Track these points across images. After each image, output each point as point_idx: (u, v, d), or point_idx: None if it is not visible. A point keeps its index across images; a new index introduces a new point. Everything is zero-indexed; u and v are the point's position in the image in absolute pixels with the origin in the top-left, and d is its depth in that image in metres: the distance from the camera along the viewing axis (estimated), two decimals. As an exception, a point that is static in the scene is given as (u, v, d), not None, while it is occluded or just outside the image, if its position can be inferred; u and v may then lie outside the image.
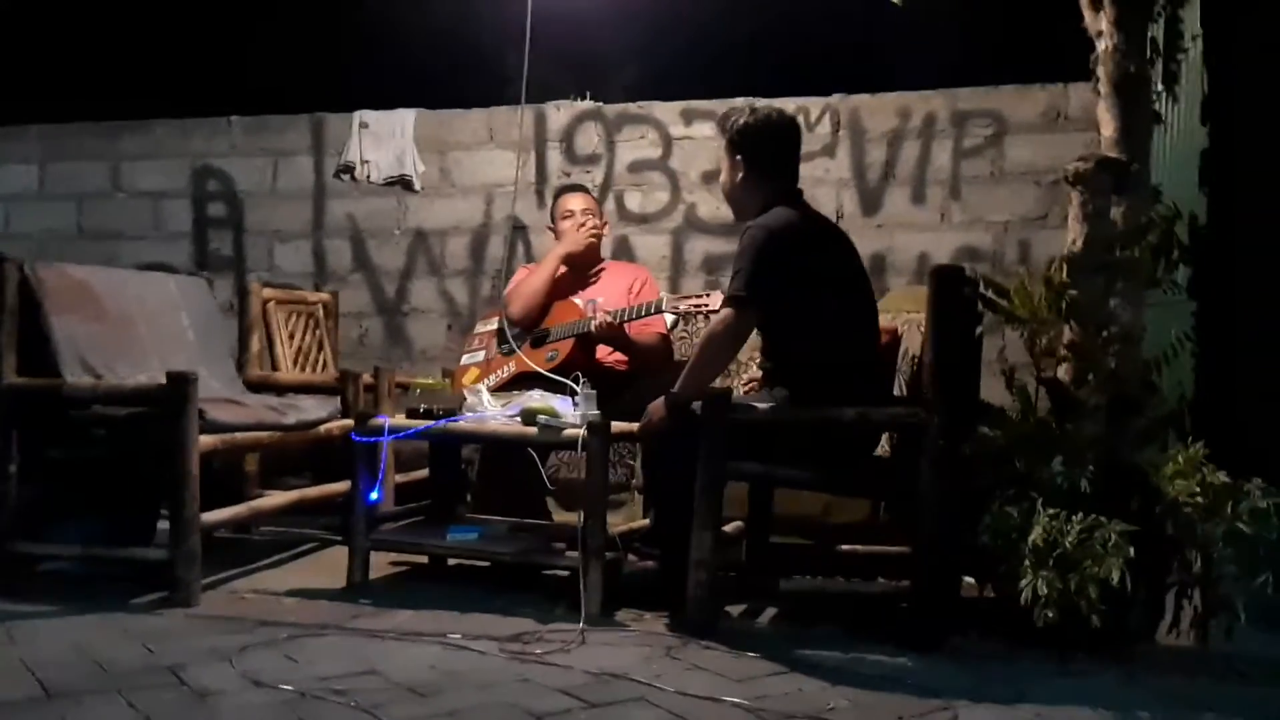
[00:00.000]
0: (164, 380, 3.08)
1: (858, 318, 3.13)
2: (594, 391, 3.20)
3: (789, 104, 4.95)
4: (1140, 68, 3.17)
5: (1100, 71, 3.23)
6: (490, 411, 3.27)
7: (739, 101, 5.02)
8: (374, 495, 3.31)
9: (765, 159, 3.22)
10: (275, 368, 4.29)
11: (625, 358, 4.25)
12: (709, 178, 5.06)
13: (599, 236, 4.35)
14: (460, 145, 5.40)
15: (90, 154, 5.72)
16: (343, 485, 3.89)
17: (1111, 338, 3.05)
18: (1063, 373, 3.12)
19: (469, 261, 5.37)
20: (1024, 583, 2.49)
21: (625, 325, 4.12)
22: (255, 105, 5.61)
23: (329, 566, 3.66)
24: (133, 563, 3.13)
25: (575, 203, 4.35)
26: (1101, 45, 3.22)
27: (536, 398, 3.24)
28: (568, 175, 5.23)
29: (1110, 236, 3.08)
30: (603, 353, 4.26)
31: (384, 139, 5.43)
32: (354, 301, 5.39)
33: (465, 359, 4.47)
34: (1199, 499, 2.62)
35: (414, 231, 5.43)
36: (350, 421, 3.87)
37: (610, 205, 5.15)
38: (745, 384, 3.46)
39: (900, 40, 4.96)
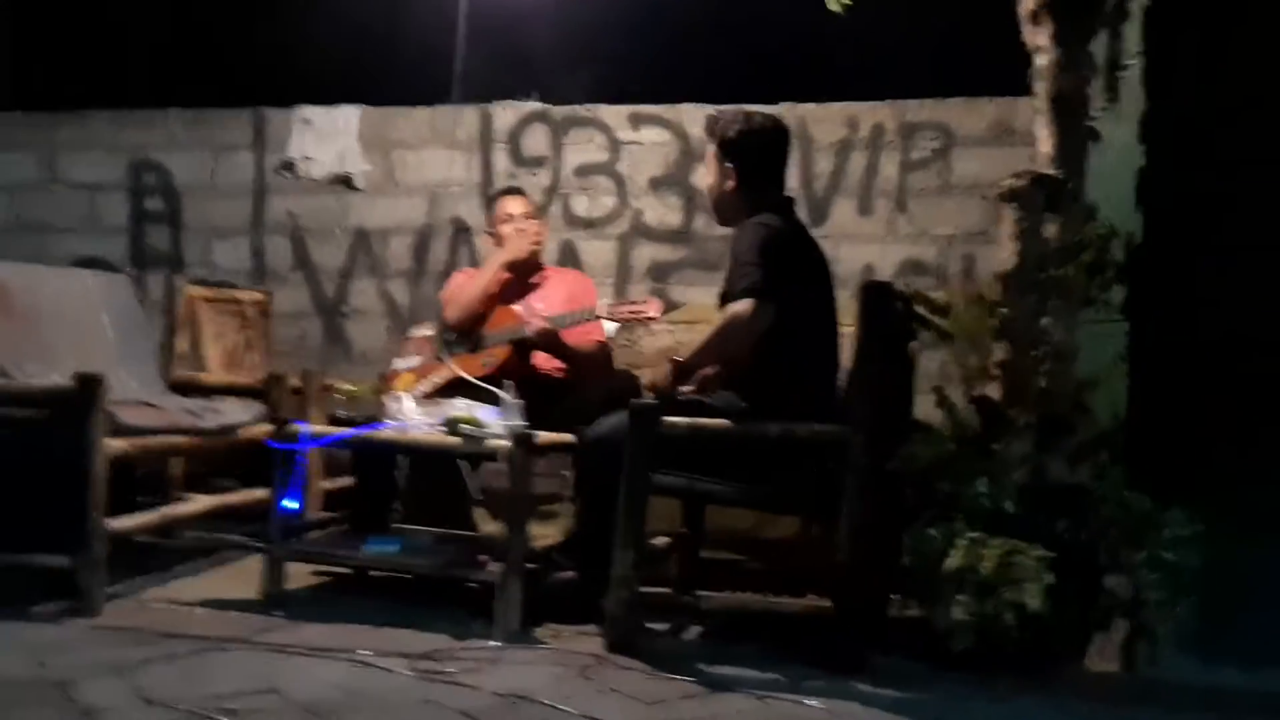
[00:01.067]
0: (73, 382, 2.97)
1: (830, 330, 3.10)
2: (520, 400, 3.13)
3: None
4: (1078, 84, 3.13)
5: (1038, 87, 3.19)
6: (414, 420, 3.18)
7: (687, 107, 4.99)
8: (290, 504, 3.21)
9: (758, 168, 3.21)
10: (202, 368, 4.19)
11: (564, 366, 4.18)
12: (657, 184, 5.01)
13: (540, 243, 4.27)
14: (404, 144, 5.30)
15: (23, 144, 5.57)
16: (264, 491, 3.79)
17: (1043, 357, 3.00)
18: (994, 391, 3.08)
19: (411, 262, 5.27)
20: (941, 608, 2.44)
21: (562, 331, 4.06)
22: (195, 98, 5.49)
23: (248, 576, 3.53)
24: (34, 570, 3.01)
25: (514, 206, 4.28)
26: (1040, 60, 3.18)
27: (461, 406, 3.16)
28: (514, 177, 5.14)
29: (1043, 254, 3.04)
30: (541, 360, 4.18)
31: (327, 136, 5.33)
32: (293, 301, 5.28)
33: (398, 363, 4.37)
34: (1123, 524, 2.57)
35: (355, 230, 5.32)
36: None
37: (557, 209, 5.08)
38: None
39: (848, 49, 4.91)
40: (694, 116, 4.96)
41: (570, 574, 3.14)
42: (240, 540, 3.76)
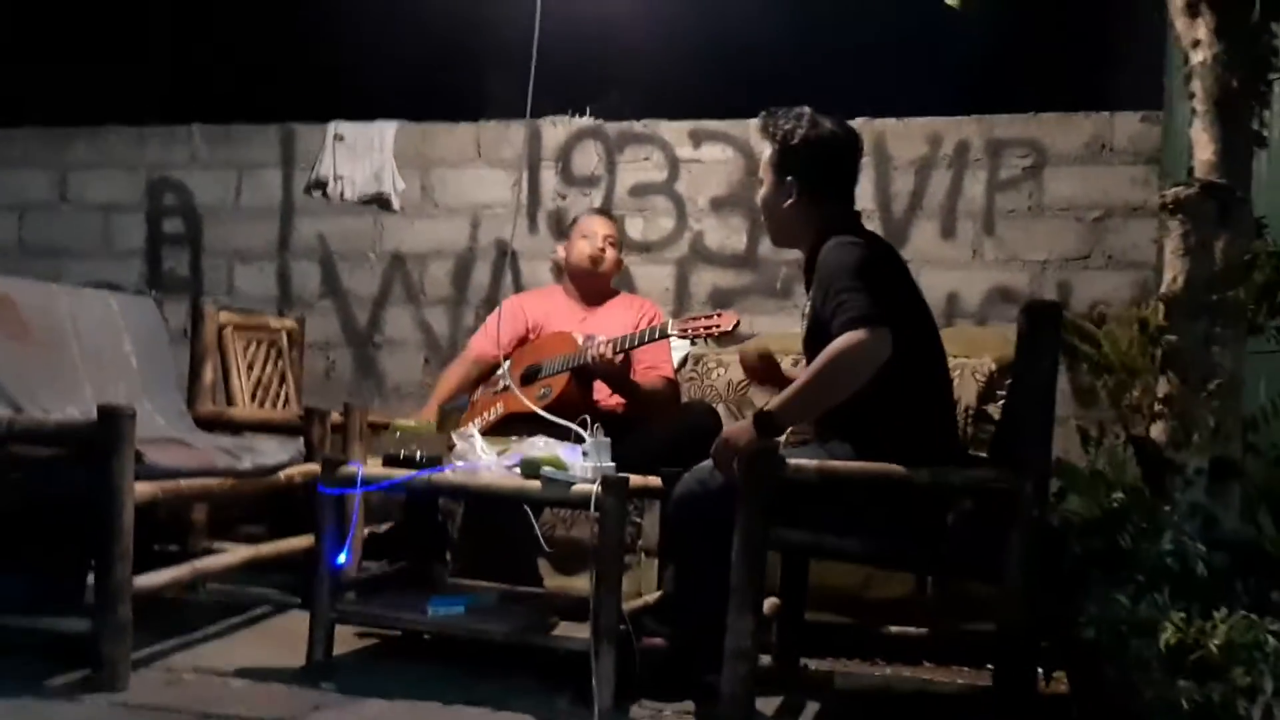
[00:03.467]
0: (95, 416, 2.56)
1: (943, 362, 2.68)
2: (607, 439, 2.72)
3: (808, 127, 4.54)
4: (1244, 82, 2.75)
5: (1196, 86, 2.80)
6: (484, 460, 2.78)
7: (753, 122, 4.61)
8: (342, 558, 2.80)
9: (823, 181, 2.72)
10: (231, 402, 3.78)
11: (629, 403, 3.78)
12: (718, 204, 4.64)
13: (599, 260, 3.88)
14: (445, 162, 4.92)
15: (35, 162, 5.20)
16: (304, 540, 3.38)
17: (1214, 392, 2.60)
18: (1156, 431, 2.68)
19: (451, 289, 4.89)
20: (1149, 689, 2.03)
21: (626, 357, 3.67)
22: (219, 113, 5.12)
23: (286, 636, 3.13)
24: (51, 635, 2.59)
25: (599, 225, 3.91)
26: (1198, 56, 2.80)
27: (540, 445, 2.76)
28: (563, 198, 4.78)
29: (1214, 274, 2.65)
30: (602, 393, 3.79)
31: (360, 153, 4.95)
32: (322, 330, 4.89)
33: (446, 407, 3.97)
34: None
35: (391, 255, 4.94)
36: (315, 467, 3.37)
37: (610, 232, 4.69)
38: (788, 434, 2.96)
39: (931, 60, 4.54)
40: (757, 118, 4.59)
41: (662, 642, 2.71)
42: (279, 597, 3.34)
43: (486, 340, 3.93)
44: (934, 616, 3.05)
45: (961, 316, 4.40)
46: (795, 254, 4.47)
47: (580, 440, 2.83)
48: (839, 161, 2.77)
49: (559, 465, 2.68)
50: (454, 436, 2.87)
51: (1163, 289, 2.71)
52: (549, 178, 4.81)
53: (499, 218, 4.85)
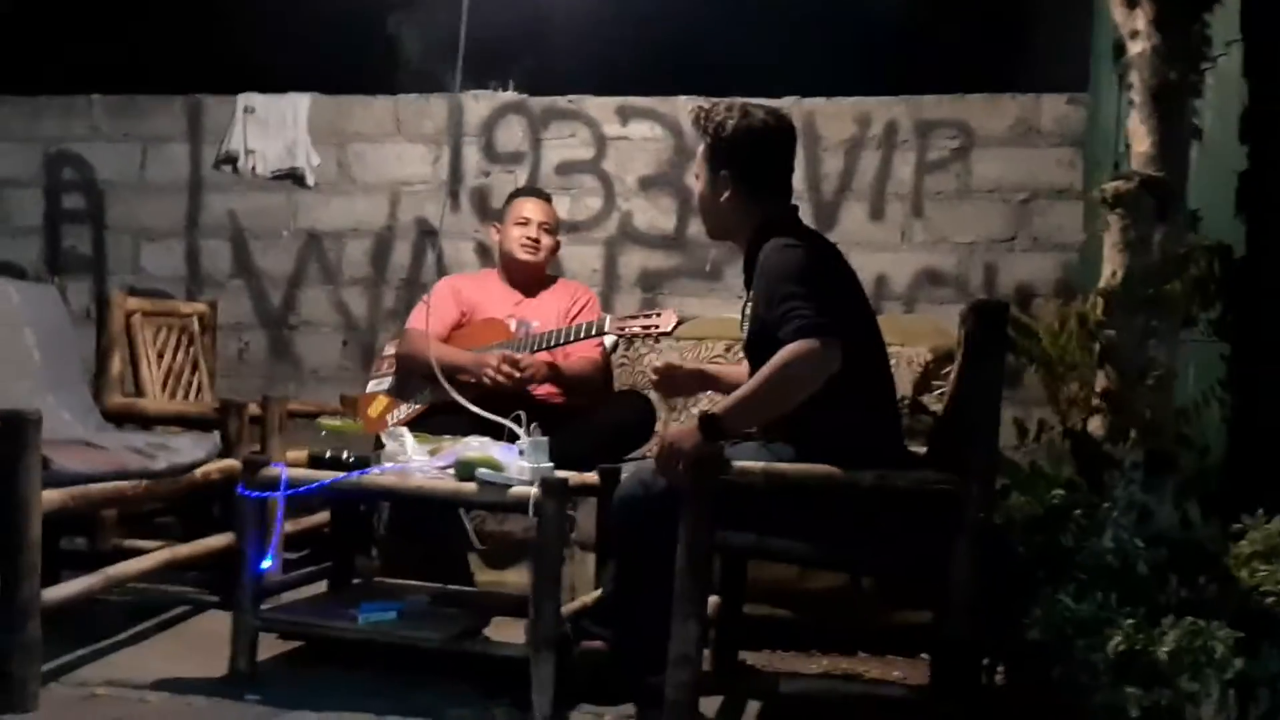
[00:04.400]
0: (-4, 420, 2.40)
1: (885, 361, 2.64)
2: (545, 439, 2.63)
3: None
4: (1182, 74, 2.74)
5: (1134, 78, 2.79)
6: (415, 462, 2.67)
7: (681, 99, 4.54)
8: (266, 563, 2.68)
9: (758, 174, 2.64)
10: (141, 393, 3.60)
11: (558, 390, 3.70)
12: (647, 184, 4.55)
13: (534, 248, 3.78)
14: (362, 136, 4.75)
15: (-80, 133, 4.90)
16: (222, 538, 3.25)
17: (1152, 386, 2.61)
18: (1093, 425, 2.69)
19: (370, 269, 4.74)
20: (1100, 697, 2.03)
21: (558, 350, 3.59)
22: (121, 83, 4.86)
23: (206, 641, 2.99)
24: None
25: (533, 210, 3.80)
26: (1136, 47, 2.78)
27: (474, 445, 2.66)
28: (487, 175, 4.66)
29: (1151, 269, 2.65)
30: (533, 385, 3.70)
31: (273, 126, 4.76)
32: (234, 312, 4.70)
33: (372, 385, 3.85)
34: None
35: (306, 233, 4.77)
36: (233, 463, 3.24)
37: (533, 210, 4.57)
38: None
39: (859, 39, 4.49)
40: (689, 110, 4.50)
41: (601, 644, 2.64)
42: (195, 595, 3.20)
43: (421, 322, 3.82)
44: (869, 606, 3.04)
45: (890, 299, 4.38)
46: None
47: (514, 437, 2.74)
48: (773, 153, 2.69)
49: (495, 466, 2.59)
50: (382, 436, 2.76)
51: (1101, 283, 2.71)
52: (471, 154, 4.67)
53: (419, 195, 4.70)
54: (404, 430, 2.75)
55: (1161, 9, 2.74)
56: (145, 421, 3.49)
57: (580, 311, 3.81)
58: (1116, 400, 2.63)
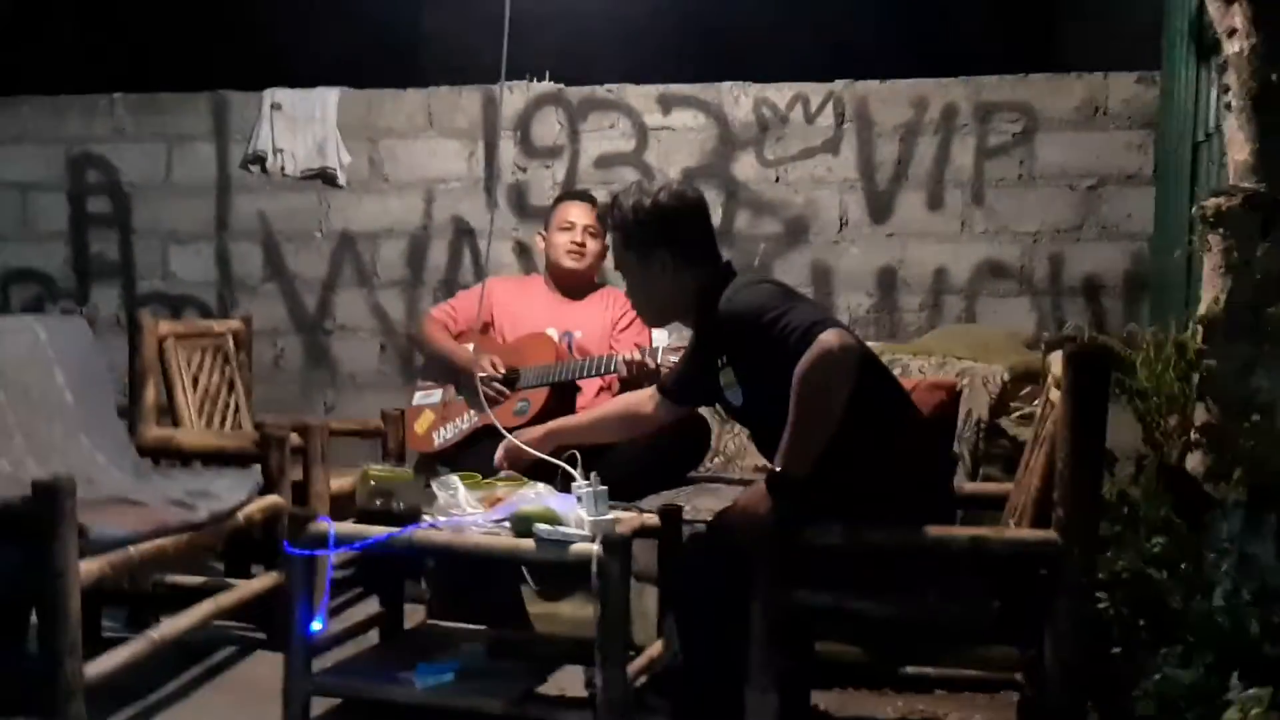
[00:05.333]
0: (28, 486, 2.27)
1: (899, 394, 2.47)
2: (605, 488, 2.47)
3: (784, 90, 4.29)
4: (1285, 77, 2.54)
5: (1232, 79, 2.59)
6: (470, 514, 2.52)
7: (726, 85, 4.33)
8: (317, 625, 2.55)
9: (688, 240, 2.47)
10: (176, 421, 3.47)
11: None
12: (691, 175, 4.33)
13: (582, 255, 3.63)
14: (393, 132, 4.57)
15: (-60, 137, 4.76)
16: (266, 579, 3.14)
17: (1256, 421, 2.43)
18: (1191, 461, 2.51)
19: (405, 270, 4.58)
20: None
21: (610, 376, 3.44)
22: (144, 81, 4.70)
23: (256, 691, 2.89)
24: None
25: (578, 214, 3.65)
26: (1234, 46, 2.58)
27: (531, 498, 2.51)
28: (523, 170, 4.47)
29: (1255, 291, 2.46)
30: (584, 399, 3.55)
31: (301, 123, 4.58)
32: (268, 317, 4.56)
33: (418, 398, 3.73)
34: None
35: (339, 234, 4.61)
36: (276, 501, 3.13)
37: (573, 207, 4.39)
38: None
39: (912, 18, 4.26)
40: (734, 97, 4.32)
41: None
42: (240, 632, 3.09)
43: (446, 318, 3.71)
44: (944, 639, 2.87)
45: (950, 293, 4.19)
46: (773, 228, 4.31)
47: (568, 478, 2.59)
48: (694, 219, 2.52)
49: (553, 520, 2.43)
50: (434, 486, 2.61)
51: (1201, 309, 2.52)
52: (507, 148, 4.49)
53: (454, 192, 4.53)
54: (456, 481, 2.59)
55: (1261, 6, 2.53)
56: (183, 455, 3.37)
57: (630, 325, 3.64)
58: (1217, 435, 2.46)
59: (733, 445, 3.66)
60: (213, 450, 3.29)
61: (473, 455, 3.30)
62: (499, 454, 2.78)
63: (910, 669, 2.82)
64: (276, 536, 3.17)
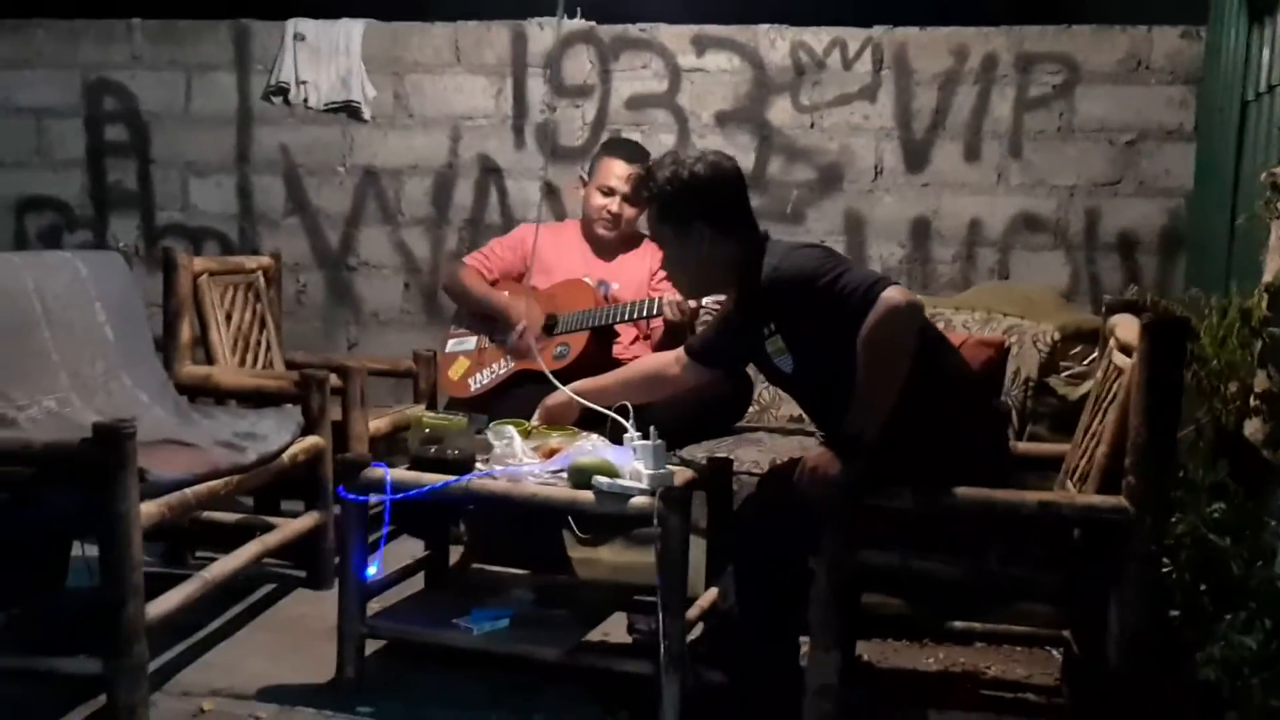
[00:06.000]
0: (89, 432, 2.24)
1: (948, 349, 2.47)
2: (662, 441, 2.46)
3: (822, 34, 4.22)
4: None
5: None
6: (527, 465, 2.52)
7: (763, 28, 4.25)
8: (372, 569, 2.55)
9: (728, 211, 2.47)
10: (211, 359, 3.43)
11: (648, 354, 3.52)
12: (724, 119, 4.30)
13: (614, 225, 3.59)
14: (420, 67, 4.48)
15: (-48, 60, 4.64)
16: (308, 519, 3.14)
17: (1320, 388, 2.43)
18: (1250, 428, 2.51)
19: (430, 208, 4.52)
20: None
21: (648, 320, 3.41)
22: (162, 7, 4.58)
23: (299, 631, 2.92)
24: (53, 678, 2.33)
25: (619, 176, 3.59)
26: (1309, 8, 2.54)
27: (588, 448, 2.50)
28: (553, 109, 4.39)
29: (1322, 261, 2.45)
30: (620, 347, 3.54)
31: (325, 55, 4.48)
32: (290, 252, 4.48)
33: (451, 345, 3.70)
34: None
35: (363, 170, 4.54)
36: (318, 441, 3.11)
37: (603, 148, 4.33)
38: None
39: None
40: (770, 39, 4.25)
41: (720, 677, 2.49)
42: (280, 570, 3.08)
43: (482, 266, 3.68)
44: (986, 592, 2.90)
45: (984, 245, 4.17)
46: (807, 174, 4.27)
47: (619, 429, 2.59)
48: (732, 189, 2.51)
49: (610, 472, 2.43)
50: (489, 435, 2.60)
51: (1268, 277, 2.51)
52: (536, 86, 4.41)
53: (481, 130, 4.46)
54: (511, 431, 2.58)
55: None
56: (219, 395, 3.34)
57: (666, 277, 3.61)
58: (1277, 402, 2.46)
59: (767, 395, 3.66)
60: (252, 390, 3.26)
61: (509, 400, 3.29)
62: (539, 413, 2.77)
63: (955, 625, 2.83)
64: (319, 477, 3.17)
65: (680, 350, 2.76)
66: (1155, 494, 2.11)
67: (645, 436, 2.51)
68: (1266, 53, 3.37)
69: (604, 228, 3.59)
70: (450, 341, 3.69)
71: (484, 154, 4.45)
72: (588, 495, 2.42)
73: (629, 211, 3.58)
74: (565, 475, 2.48)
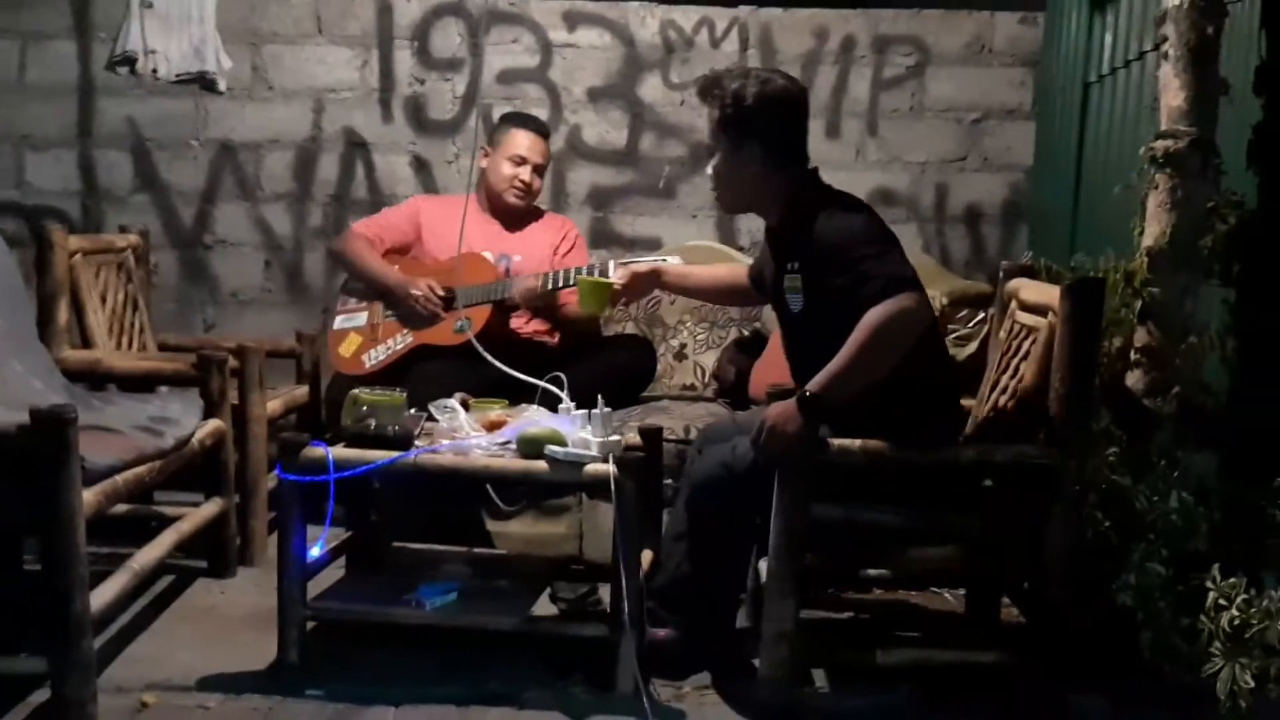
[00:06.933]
0: (25, 418, 2.12)
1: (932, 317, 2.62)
2: (609, 409, 2.52)
3: (690, 13, 4.33)
4: (1217, 29, 2.79)
5: (1171, 30, 2.81)
6: (474, 438, 2.52)
7: (632, 5, 4.32)
8: (315, 551, 2.50)
9: (785, 142, 2.54)
10: (88, 343, 3.25)
11: (548, 327, 3.57)
12: (596, 95, 4.35)
13: (526, 195, 3.61)
14: (280, 37, 4.34)
15: None
16: (213, 506, 3.03)
17: (1194, 343, 2.71)
18: (1131, 379, 2.78)
19: (292, 183, 4.39)
20: (1211, 668, 2.14)
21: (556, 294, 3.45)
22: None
23: (217, 620, 2.84)
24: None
25: (530, 148, 3.60)
26: (1173, 0, 2.81)
27: (534, 419, 2.53)
28: (421, 82, 4.34)
29: (1193, 226, 2.72)
30: (520, 322, 3.55)
31: (176, 24, 4.27)
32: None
33: (340, 321, 3.62)
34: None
35: (219, 144, 4.36)
36: (219, 425, 3.01)
37: (475, 122, 4.32)
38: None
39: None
40: (640, 17, 4.32)
41: (668, 633, 2.58)
42: (177, 561, 2.95)
43: (373, 235, 3.61)
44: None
45: (845, 218, 4.37)
46: (679, 150, 4.37)
47: (542, 393, 2.65)
48: (795, 118, 2.58)
49: (560, 441, 2.47)
50: (433, 409, 2.59)
51: (1148, 242, 2.77)
52: (404, 58, 4.34)
53: (346, 103, 4.36)
54: (454, 404, 2.58)
55: (1203, -36, 2.75)
56: (110, 380, 3.17)
57: (571, 250, 3.65)
58: (1159, 356, 2.73)
59: (661, 364, 3.76)
60: (146, 374, 3.11)
61: (410, 376, 3.26)
62: (621, 274, 2.83)
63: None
64: (220, 462, 3.07)
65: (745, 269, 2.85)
66: (1079, 440, 2.31)
67: (580, 406, 2.58)
68: (1109, 38, 3.70)
69: (515, 197, 3.59)
70: (339, 317, 3.60)
71: (349, 127, 4.36)
72: (541, 465, 2.45)
73: (538, 182, 3.61)
74: (514, 446, 2.50)
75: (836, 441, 2.33)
